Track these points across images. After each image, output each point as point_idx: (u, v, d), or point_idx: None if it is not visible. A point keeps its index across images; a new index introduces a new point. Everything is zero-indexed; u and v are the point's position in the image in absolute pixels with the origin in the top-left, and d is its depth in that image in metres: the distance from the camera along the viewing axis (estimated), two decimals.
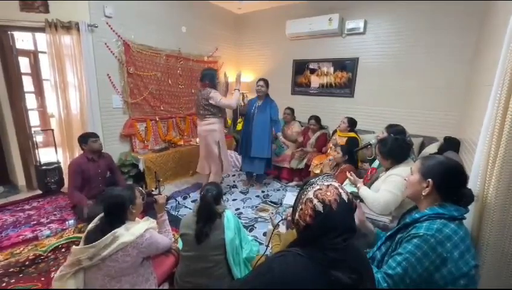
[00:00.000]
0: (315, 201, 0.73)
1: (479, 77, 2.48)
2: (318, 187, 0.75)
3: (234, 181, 3.68)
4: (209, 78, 2.91)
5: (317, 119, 3.66)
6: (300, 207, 0.76)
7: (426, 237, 0.89)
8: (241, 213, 2.80)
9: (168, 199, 2.90)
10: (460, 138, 2.75)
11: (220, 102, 2.83)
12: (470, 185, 1.10)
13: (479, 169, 1.01)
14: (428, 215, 0.94)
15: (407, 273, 0.89)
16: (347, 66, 3.85)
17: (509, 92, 0.87)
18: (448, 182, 0.97)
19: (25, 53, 3.56)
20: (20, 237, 2.15)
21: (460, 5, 2.90)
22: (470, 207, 1.05)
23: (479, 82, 2.38)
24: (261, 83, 3.19)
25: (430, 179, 0.99)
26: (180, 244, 1.58)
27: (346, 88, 3.92)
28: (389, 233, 1.09)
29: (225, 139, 3.15)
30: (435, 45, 3.14)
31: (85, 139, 2.40)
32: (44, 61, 3.07)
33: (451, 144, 2.72)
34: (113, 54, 3.14)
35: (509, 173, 0.88)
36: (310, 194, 0.75)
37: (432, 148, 2.79)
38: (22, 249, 2.00)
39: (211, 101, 2.82)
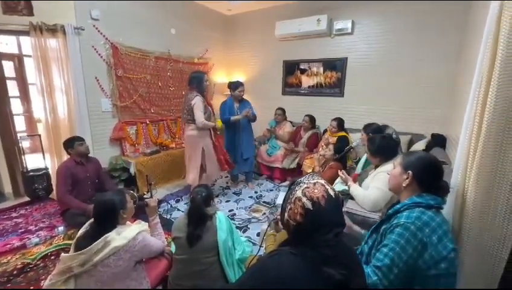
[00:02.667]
0: (304, 199, 0.74)
1: (462, 75, 2.56)
2: (305, 185, 0.77)
3: (227, 183, 3.68)
4: (197, 81, 2.79)
5: (311, 118, 3.69)
6: (289, 207, 0.78)
7: (407, 224, 0.95)
8: (234, 214, 2.81)
9: (160, 202, 2.88)
10: (446, 134, 2.83)
11: (194, 111, 2.69)
12: (452, 179, 1.14)
13: (460, 164, 1.05)
14: (408, 205, 1.01)
15: (394, 263, 0.93)
16: (336, 66, 3.90)
17: (486, 90, 0.91)
18: (426, 174, 1.05)
19: (9, 57, 3.46)
20: (8, 245, 2.09)
21: (445, 5, 2.97)
22: (452, 201, 1.10)
23: (462, 80, 2.47)
24: (244, 88, 3.22)
25: (410, 171, 1.06)
26: (173, 248, 1.57)
27: (336, 88, 3.97)
28: (374, 226, 1.13)
29: (212, 144, 2.96)
30: (422, 45, 3.21)
31: (71, 143, 2.34)
32: (29, 65, 2.99)
33: (438, 140, 2.80)
34: (101, 56, 3.10)
35: (488, 168, 0.91)
36: (298, 193, 0.76)
37: (420, 145, 2.87)
38: (9, 258, 1.95)
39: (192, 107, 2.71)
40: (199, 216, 1.44)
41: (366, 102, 3.74)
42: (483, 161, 0.92)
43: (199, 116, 2.70)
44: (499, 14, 0.88)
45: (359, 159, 2.49)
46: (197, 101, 2.71)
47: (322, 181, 0.79)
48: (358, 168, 2.35)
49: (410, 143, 3.21)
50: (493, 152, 0.90)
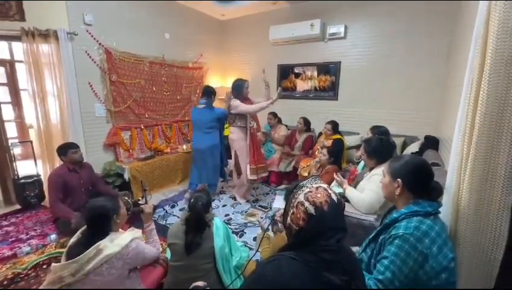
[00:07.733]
0: (306, 204, 0.73)
1: (452, 77, 2.60)
2: (308, 190, 0.76)
3: (222, 187, 3.65)
4: (236, 88, 2.94)
5: (305, 120, 3.70)
6: (291, 211, 0.76)
7: (406, 236, 0.92)
8: (230, 219, 2.78)
9: (155, 208, 2.84)
10: (439, 136, 2.86)
11: (238, 108, 2.85)
12: (447, 182, 1.14)
13: (454, 166, 1.05)
14: (405, 214, 0.98)
15: (395, 277, 0.92)
16: (330, 69, 3.94)
17: (477, 92, 0.92)
18: (415, 179, 1.03)
19: (1, 62, 3.43)
20: None
21: (436, 5, 3.01)
22: (447, 203, 1.10)
23: (453, 82, 2.51)
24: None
25: (399, 179, 1.04)
26: (168, 254, 1.55)
27: (330, 91, 4.00)
28: (372, 235, 1.12)
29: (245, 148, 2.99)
30: (413, 48, 3.27)
31: (64, 150, 2.29)
32: (21, 70, 2.96)
33: (431, 142, 2.82)
34: (95, 62, 3.08)
35: (480, 169, 0.92)
36: (301, 197, 0.75)
37: (413, 148, 2.89)
38: None
39: (232, 111, 2.90)
40: (199, 224, 1.42)
41: (360, 105, 3.78)
42: (476, 163, 0.92)
43: (248, 106, 2.87)
44: (487, 16, 0.89)
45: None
46: (236, 101, 2.86)
47: (325, 185, 0.78)
48: (360, 167, 2.36)
49: (404, 145, 3.23)
50: (485, 153, 0.90)
